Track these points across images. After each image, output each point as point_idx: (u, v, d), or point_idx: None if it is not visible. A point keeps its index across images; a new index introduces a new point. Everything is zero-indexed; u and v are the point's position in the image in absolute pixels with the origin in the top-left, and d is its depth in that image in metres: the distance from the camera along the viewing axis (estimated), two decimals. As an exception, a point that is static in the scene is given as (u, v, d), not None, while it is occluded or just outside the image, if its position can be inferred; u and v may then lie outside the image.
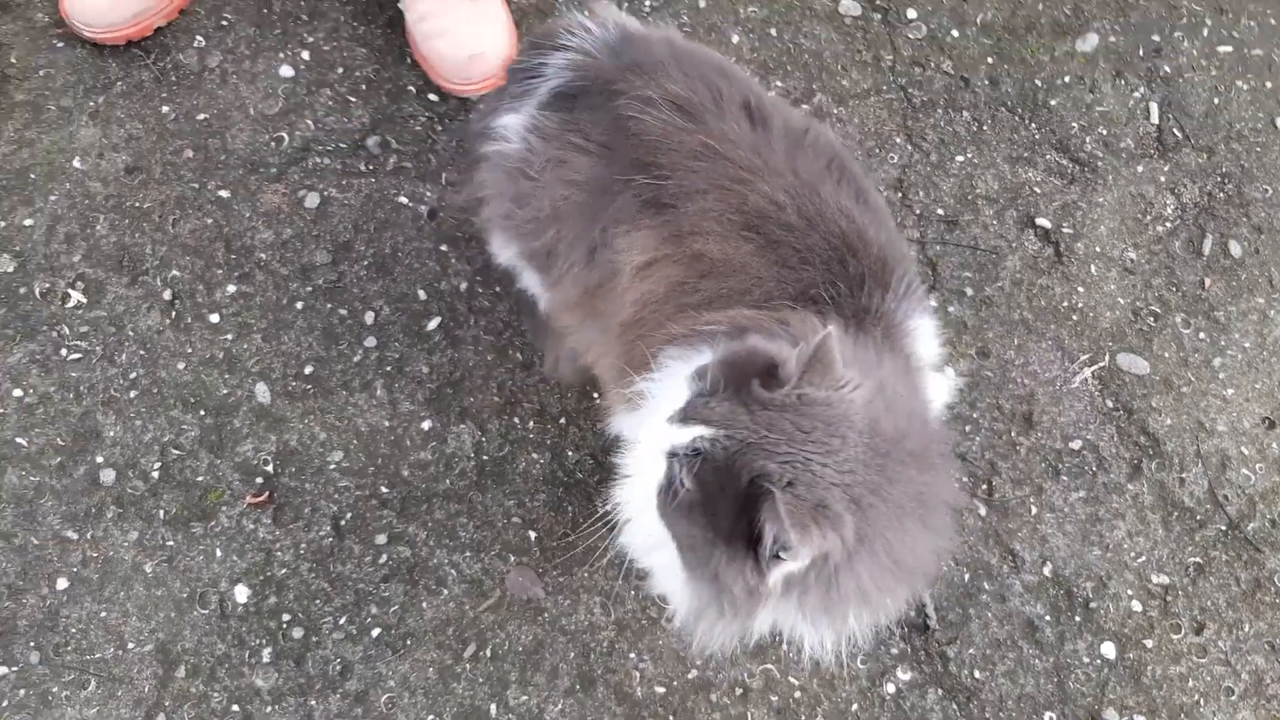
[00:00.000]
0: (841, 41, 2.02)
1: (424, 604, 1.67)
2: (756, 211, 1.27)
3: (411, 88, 1.98)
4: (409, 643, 1.65)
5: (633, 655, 1.65)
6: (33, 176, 1.89)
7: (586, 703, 1.63)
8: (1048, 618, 1.67)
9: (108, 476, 1.72)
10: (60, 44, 1.97)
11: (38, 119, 1.93)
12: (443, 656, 1.65)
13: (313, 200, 1.89)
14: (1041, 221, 1.90)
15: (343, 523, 1.71)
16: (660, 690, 1.63)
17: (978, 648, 1.66)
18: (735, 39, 2.02)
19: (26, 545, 1.69)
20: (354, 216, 1.88)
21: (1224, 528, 1.73)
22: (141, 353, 1.79)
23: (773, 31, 2.03)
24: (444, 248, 1.87)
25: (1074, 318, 1.85)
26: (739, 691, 1.64)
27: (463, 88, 1.92)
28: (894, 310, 1.25)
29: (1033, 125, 1.97)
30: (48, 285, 1.82)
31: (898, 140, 1.95)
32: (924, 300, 1.30)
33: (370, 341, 1.80)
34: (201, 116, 1.93)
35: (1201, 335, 1.85)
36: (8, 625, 1.65)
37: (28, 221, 1.86)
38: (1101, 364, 1.82)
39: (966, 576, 1.69)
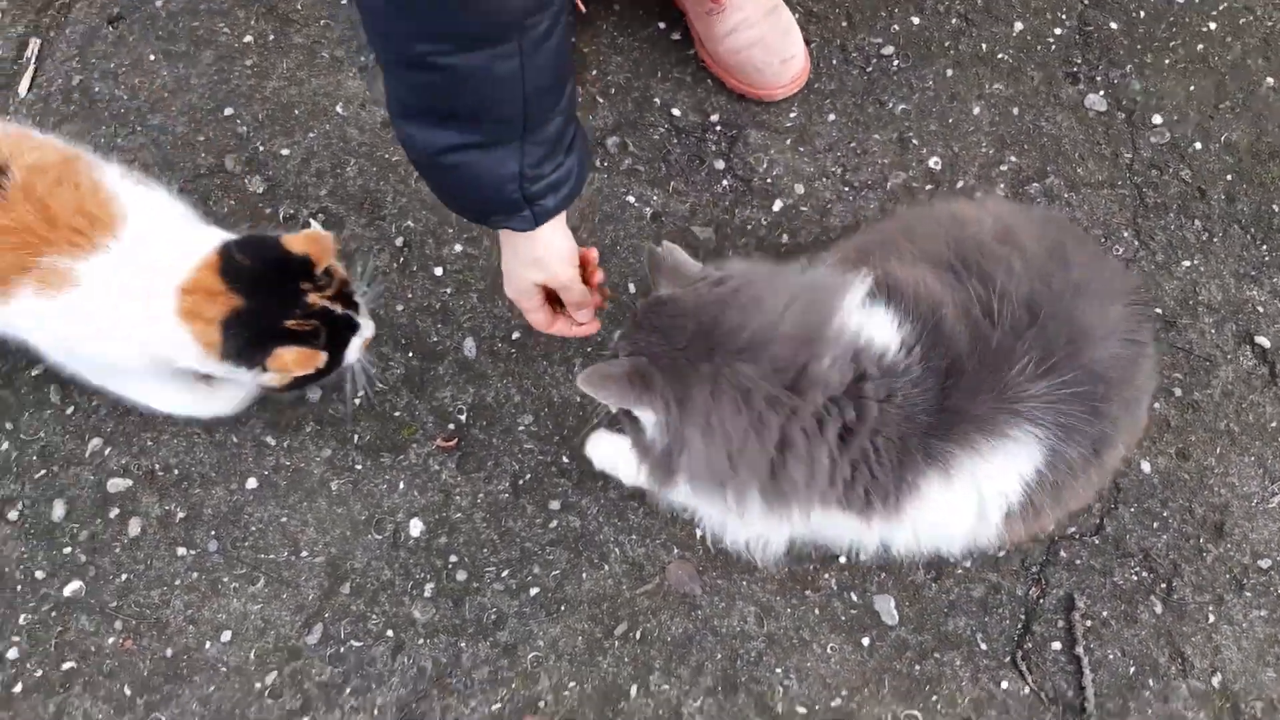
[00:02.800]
0: (1082, 132, 2.04)
1: (584, 574, 1.70)
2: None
3: (657, 99, 2.06)
4: (564, 609, 1.68)
5: (779, 670, 1.64)
6: (297, 113, 2.02)
7: (726, 706, 1.62)
8: (1211, 728, 1.62)
9: (313, 394, 1.80)
10: (344, 0, 2.12)
11: (310, 62, 2.07)
12: (593, 629, 1.66)
13: (550, 181, 1.97)
14: (1260, 340, 1.87)
15: (521, 482, 1.76)
16: (801, 710, 1.62)
17: (1133, 742, 1.61)
18: (976, 111, 2.06)
19: (227, 442, 1.77)
20: (582, 205, 1.96)
21: None
22: (365, 288, 1.88)
23: (1015, 110, 2.06)
24: (663, 248, 1.92)
25: (1281, 439, 1.81)
26: (880, 730, 1.61)
27: (774, 91, 2.04)
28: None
29: (1264, 247, 1.95)
30: (291, 211, 1.94)
31: (1125, 234, 1.95)
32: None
33: (579, 320, 1.86)
34: (463, 86, 2.05)
35: None
36: (195, 511, 1.73)
37: (285, 151, 1.99)
38: (1303, 490, 1.78)
39: (1132, 669, 1.64)
